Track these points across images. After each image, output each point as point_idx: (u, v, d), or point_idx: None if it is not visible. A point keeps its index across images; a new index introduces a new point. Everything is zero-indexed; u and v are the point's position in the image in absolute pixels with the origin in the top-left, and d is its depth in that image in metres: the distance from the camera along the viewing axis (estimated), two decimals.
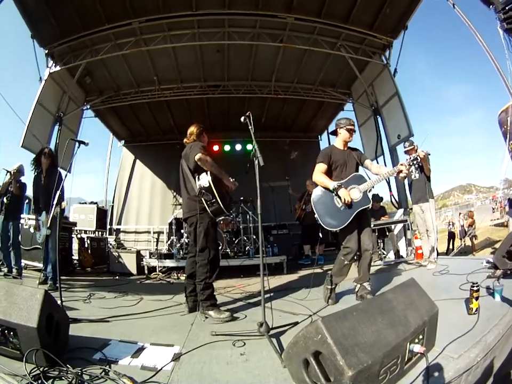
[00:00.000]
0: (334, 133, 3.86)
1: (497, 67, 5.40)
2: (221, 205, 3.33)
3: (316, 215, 3.57)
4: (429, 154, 4.41)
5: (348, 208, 3.46)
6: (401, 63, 8.44)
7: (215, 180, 3.43)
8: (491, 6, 4.69)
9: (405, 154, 5.70)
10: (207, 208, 3.36)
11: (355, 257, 3.58)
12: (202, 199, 3.35)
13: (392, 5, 7.27)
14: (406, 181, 6.05)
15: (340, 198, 3.45)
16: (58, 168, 4.88)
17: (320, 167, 3.63)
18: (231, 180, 3.71)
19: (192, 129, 3.82)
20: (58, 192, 3.76)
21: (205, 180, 3.38)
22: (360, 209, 3.48)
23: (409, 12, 7.48)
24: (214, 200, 3.33)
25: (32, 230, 4.70)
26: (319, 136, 13.44)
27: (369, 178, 3.66)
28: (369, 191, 3.57)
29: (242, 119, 3.13)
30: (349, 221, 3.43)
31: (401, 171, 3.50)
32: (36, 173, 4.84)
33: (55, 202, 3.77)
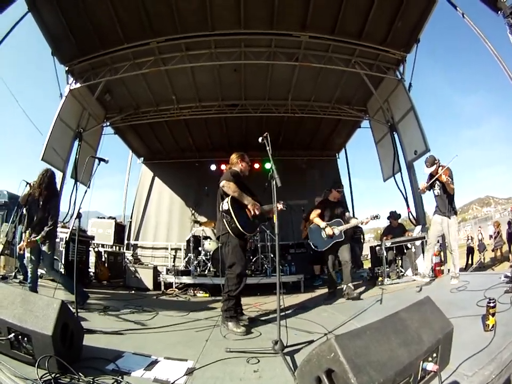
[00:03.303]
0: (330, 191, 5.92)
1: (510, 75, 5.27)
2: (238, 225, 3.59)
3: (310, 237, 5.75)
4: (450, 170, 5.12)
5: (329, 239, 5.47)
6: (415, 76, 8.40)
7: (236, 203, 3.70)
8: (499, 12, 4.63)
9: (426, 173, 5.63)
10: (228, 228, 3.64)
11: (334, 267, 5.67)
12: (224, 220, 3.66)
13: (403, 18, 7.27)
14: (422, 195, 6.01)
15: (325, 232, 5.47)
16: (57, 192, 4.81)
17: (317, 211, 5.73)
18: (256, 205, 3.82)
19: (232, 157, 4.25)
20: (78, 205, 3.78)
21: (225, 203, 3.68)
22: (336, 241, 5.45)
23: (420, 24, 7.45)
24: (232, 220, 3.59)
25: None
26: (337, 154, 13.22)
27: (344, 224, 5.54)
28: (344, 231, 5.49)
29: (260, 139, 3.26)
30: (328, 246, 5.49)
31: (367, 222, 5.65)
32: (36, 195, 4.43)
33: (74, 216, 3.82)
